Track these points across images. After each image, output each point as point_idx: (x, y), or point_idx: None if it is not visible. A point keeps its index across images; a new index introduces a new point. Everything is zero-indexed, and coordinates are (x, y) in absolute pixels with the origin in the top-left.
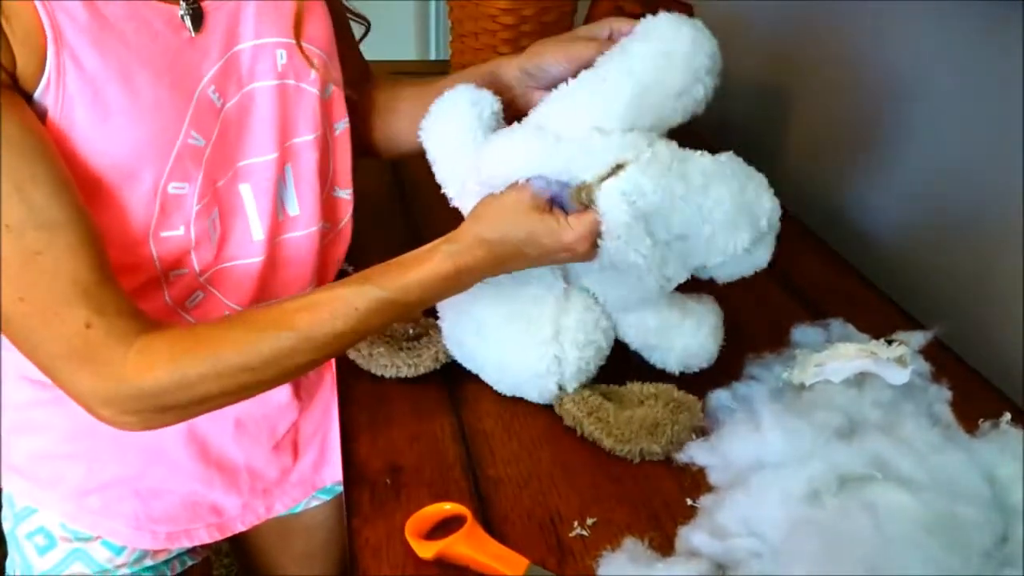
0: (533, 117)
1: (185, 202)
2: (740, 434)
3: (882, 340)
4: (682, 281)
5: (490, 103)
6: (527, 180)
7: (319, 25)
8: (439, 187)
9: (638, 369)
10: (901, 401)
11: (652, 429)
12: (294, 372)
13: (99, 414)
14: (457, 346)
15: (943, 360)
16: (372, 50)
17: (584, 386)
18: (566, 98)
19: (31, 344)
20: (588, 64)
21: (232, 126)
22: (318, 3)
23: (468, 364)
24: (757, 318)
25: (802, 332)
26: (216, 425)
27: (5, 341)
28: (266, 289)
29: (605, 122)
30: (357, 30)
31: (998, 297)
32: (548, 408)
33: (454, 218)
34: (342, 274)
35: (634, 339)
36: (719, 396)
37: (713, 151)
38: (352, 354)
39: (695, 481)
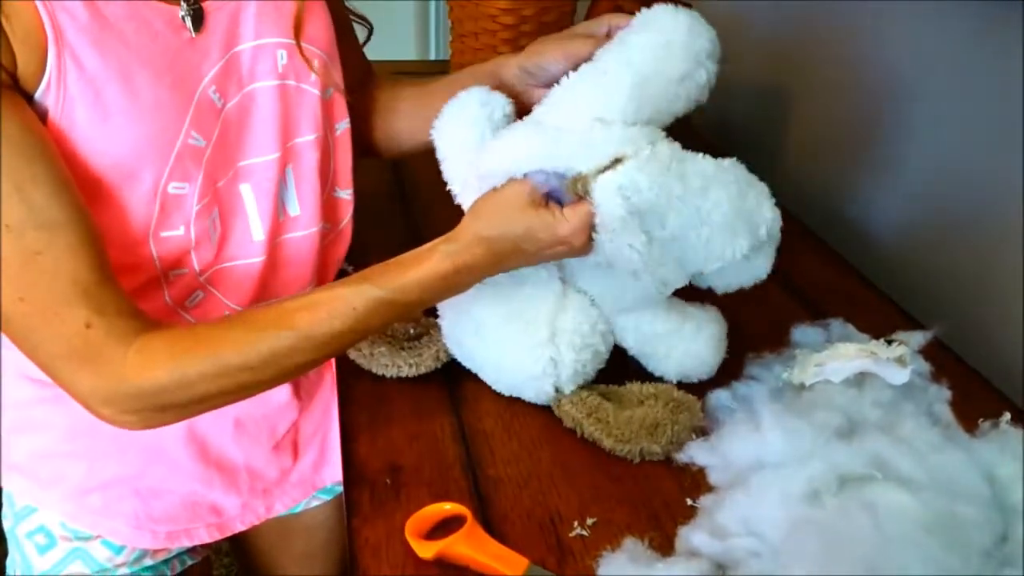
0: (535, 113)
1: (185, 202)
2: (740, 434)
3: (882, 340)
4: (680, 286)
5: (501, 104)
6: (526, 175)
7: (319, 26)
8: (439, 187)
9: (637, 370)
10: (901, 401)
11: (652, 429)
12: (294, 372)
13: (99, 413)
14: (457, 345)
15: (943, 360)
16: (372, 50)
17: (582, 387)
18: (567, 92)
19: (31, 343)
20: (587, 61)
21: (233, 126)
22: (319, 4)
23: (467, 363)
24: (757, 318)
25: (802, 332)
26: (216, 425)
27: (5, 340)
28: (266, 289)
29: (607, 114)
30: (360, 31)
31: (998, 297)
32: (548, 408)
33: (454, 218)
34: (342, 274)
35: (632, 344)
36: (719, 396)
37: (713, 151)
38: (353, 354)
39: (695, 481)
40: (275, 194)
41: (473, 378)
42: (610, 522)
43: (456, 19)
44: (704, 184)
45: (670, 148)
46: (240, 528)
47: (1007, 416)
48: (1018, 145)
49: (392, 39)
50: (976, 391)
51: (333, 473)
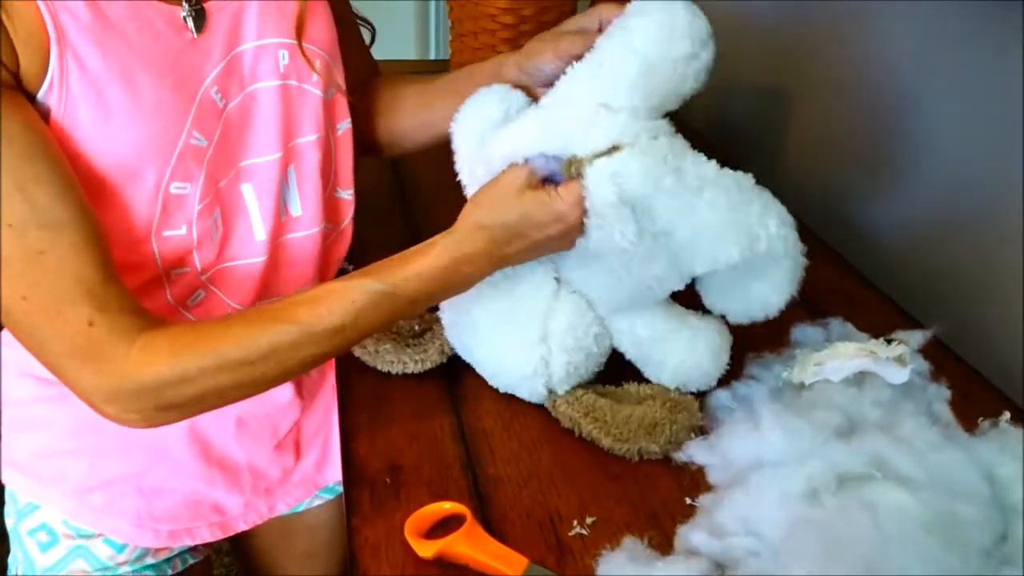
0: (542, 103)
1: (187, 202)
2: (739, 433)
3: (881, 339)
4: (674, 288)
5: (519, 102)
6: (526, 159)
7: (321, 26)
8: (439, 186)
9: (636, 373)
10: (900, 400)
11: (650, 429)
12: (296, 367)
13: (103, 411)
14: (456, 340)
15: (942, 359)
16: (372, 50)
17: (577, 387)
18: (572, 84)
19: (35, 341)
20: (579, 58)
21: (234, 126)
22: (321, 4)
23: (467, 358)
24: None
25: (802, 331)
26: (218, 424)
27: (6, 338)
28: (268, 289)
29: (615, 102)
30: (363, 33)
31: (998, 296)
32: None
33: (454, 217)
34: (342, 273)
35: (628, 348)
36: (719, 395)
37: (713, 151)
38: (358, 351)
39: (694, 480)
40: (277, 194)
41: (473, 378)
42: (609, 521)
43: (456, 19)
44: (700, 184)
45: (671, 142)
46: (242, 527)
47: (1007, 415)
48: (1018, 145)
49: (392, 39)
50: (976, 390)
51: (335, 472)
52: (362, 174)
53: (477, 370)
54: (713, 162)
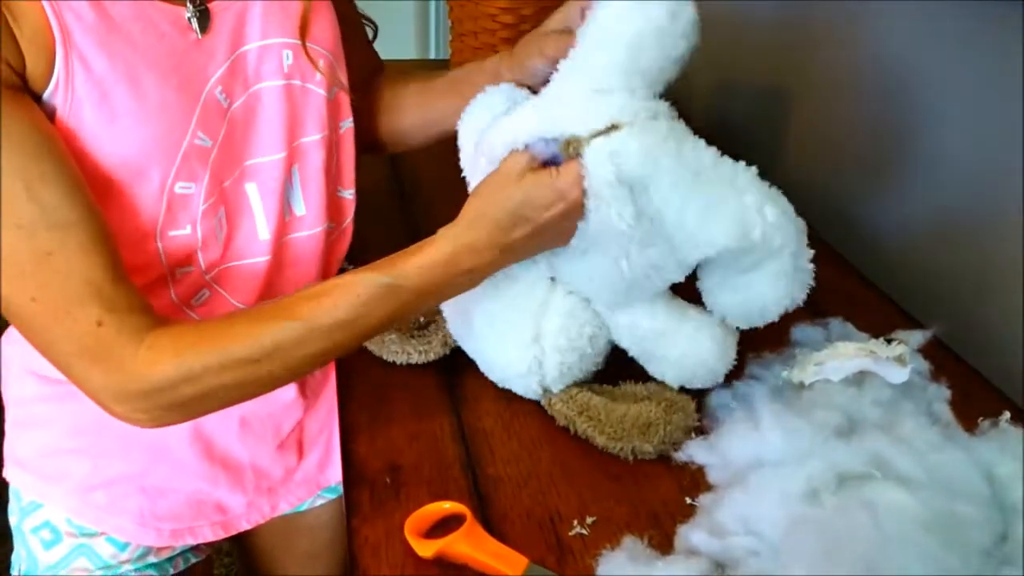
0: (540, 95)
1: (191, 202)
2: (739, 433)
3: (881, 339)
4: (673, 277)
5: (524, 100)
6: (526, 145)
7: (325, 26)
8: (439, 184)
9: (634, 373)
10: (900, 400)
11: (644, 428)
12: (302, 364)
13: (112, 410)
14: (456, 335)
15: (942, 359)
16: None
17: (573, 385)
18: (565, 80)
19: (44, 341)
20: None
21: (239, 126)
22: (324, 4)
23: (466, 350)
24: None
25: (802, 331)
26: (221, 424)
27: (9, 336)
28: (272, 288)
29: (606, 84)
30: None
31: (998, 296)
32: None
33: (454, 215)
34: (342, 272)
35: (629, 343)
36: (719, 395)
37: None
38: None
39: (694, 480)
40: (281, 194)
41: (473, 377)
42: (609, 521)
43: (456, 19)
44: (697, 168)
45: (671, 125)
46: (245, 527)
47: (1007, 415)
48: (1018, 145)
49: (392, 39)
50: (976, 390)
51: (338, 472)
52: (362, 172)
53: (475, 361)
54: (713, 148)
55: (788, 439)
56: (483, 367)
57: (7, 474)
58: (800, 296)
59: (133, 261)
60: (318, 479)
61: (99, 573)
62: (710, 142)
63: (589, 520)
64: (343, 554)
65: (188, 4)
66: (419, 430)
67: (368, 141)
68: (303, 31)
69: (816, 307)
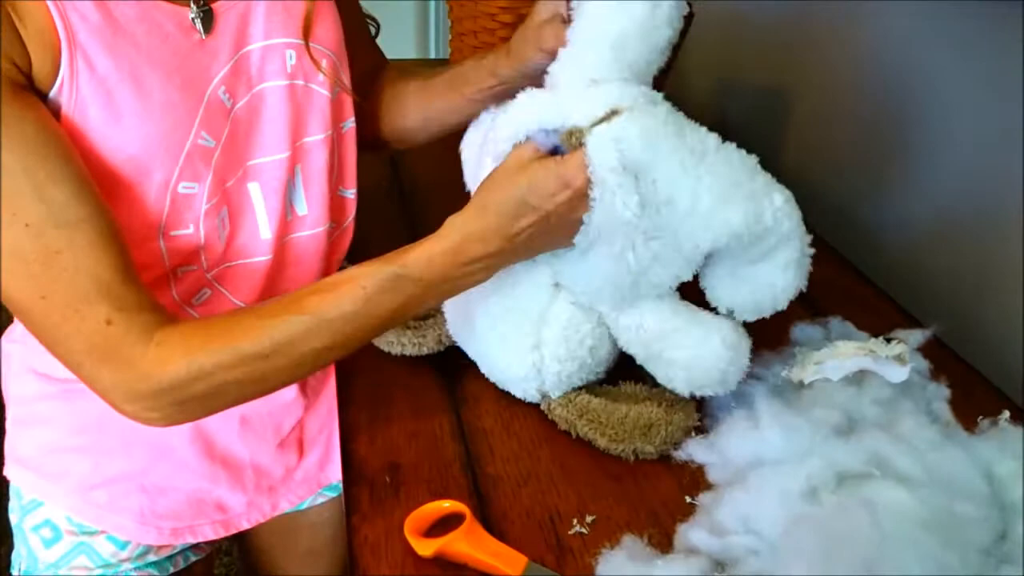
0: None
1: (195, 202)
2: (739, 432)
3: (881, 338)
4: (681, 275)
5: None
6: (527, 138)
7: (328, 26)
8: (438, 183)
9: (636, 373)
10: (900, 399)
11: (646, 429)
12: (310, 359)
13: (123, 410)
14: (456, 336)
15: (942, 358)
16: None
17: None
18: (560, 73)
19: (53, 340)
20: (563, 45)
21: (242, 126)
22: (327, 5)
23: (466, 351)
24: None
25: (801, 330)
26: (222, 422)
27: (10, 334)
28: (272, 287)
29: (600, 74)
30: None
31: (997, 295)
32: None
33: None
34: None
35: (637, 347)
36: (719, 394)
37: None
38: None
39: (694, 479)
40: (283, 193)
41: (473, 377)
42: (609, 520)
43: (456, 18)
44: (703, 150)
45: (670, 110)
46: (245, 526)
47: (1006, 414)
48: (1018, 145)
49: (392, 38)
50: (975, 389)
51: (338, 471)
52: (362, 172)
53: (476, 362)
54: (715, 135)
55: (788, 438)
56: (483, 369)
57: (8, 472)
58: (804, 284)
59: (135, 260)
60: (318, 478)
61: (99, 571)
62: None
63: (589, 519)
64: (343, 552)
65: (192, 4)
66: (419, 429)
67: (369, 140)
68: (306, 31)
69: (816, 306)
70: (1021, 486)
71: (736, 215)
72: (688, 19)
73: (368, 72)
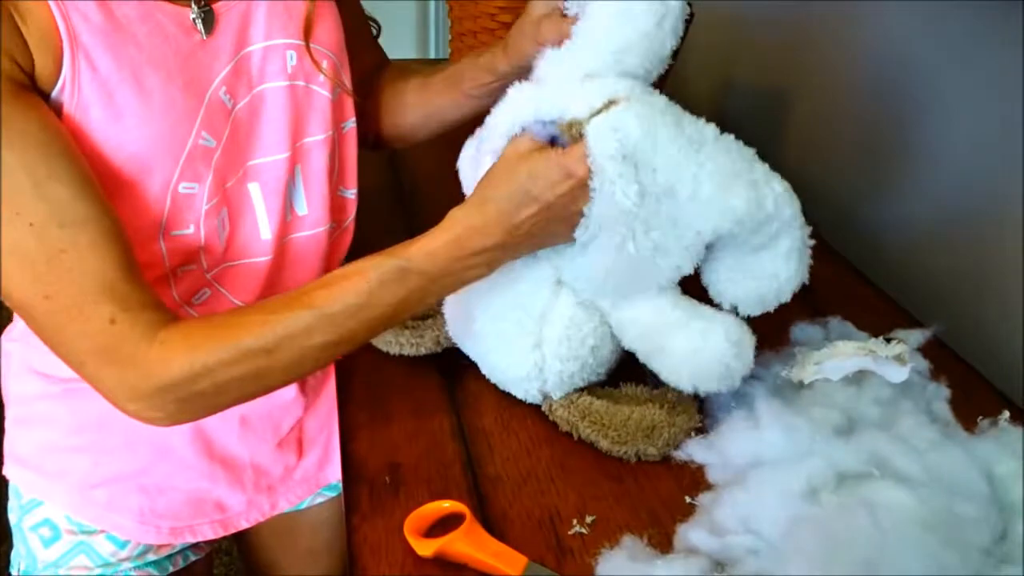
0: (532, 76)
1: (195, 202)
2: (739, 432)
3: (881, 338)
4: (681, 267)
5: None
6: (523, 130)
7: (329, 27)
8: (438, 182)
9: (638, 375)
10: (900, 399)
11: (649, 431)
12: (315, 355)
13: (126, 409)
14: (456, 336)
15: (942, 358)
16: None
17: (573, 389)
18: (555, 61)
19: (57, 340)
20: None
21: (243, 126)
22: (328, 5)
23: (466, 351)
24: (756, 315)
25: (801, 330)
26: (221, 422)
27: (9, 333)
28: (272, 287)
29: (597, 74)
30: None
31: (997, 295)
32: None
33: None
34: None
35: (638, 345)
36: (719, 394)
37: None
38: None
39: (694, 479)
40: (283, 193)
41: (473, 377)
42: (609, 520)
43: (456, 18)
44: (701, 139)
45: (667, 101)
46: (244, 525)
47: (1006, 414)
48: (1018, 145)
49: (392, 38)
50: (975, 389)
51: (338, 471)
52: (362, 172)
53: (476, 363)
54: (713, 124)
55: (788, 438)
56: (484, 369)
57: (7, 471)
58: (806, 274)
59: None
60: (317, 478)
61: (99, 571)
62: None
63: (588, 519)
64: (343, 552)
65: (193, 5)
66: (419, 429)
67: (370, 137)
68: (307, 32)
69: (816, 306)
70: (1021, 486)
71: (738, 200)
72: (688, 21)
73: (371, 72)
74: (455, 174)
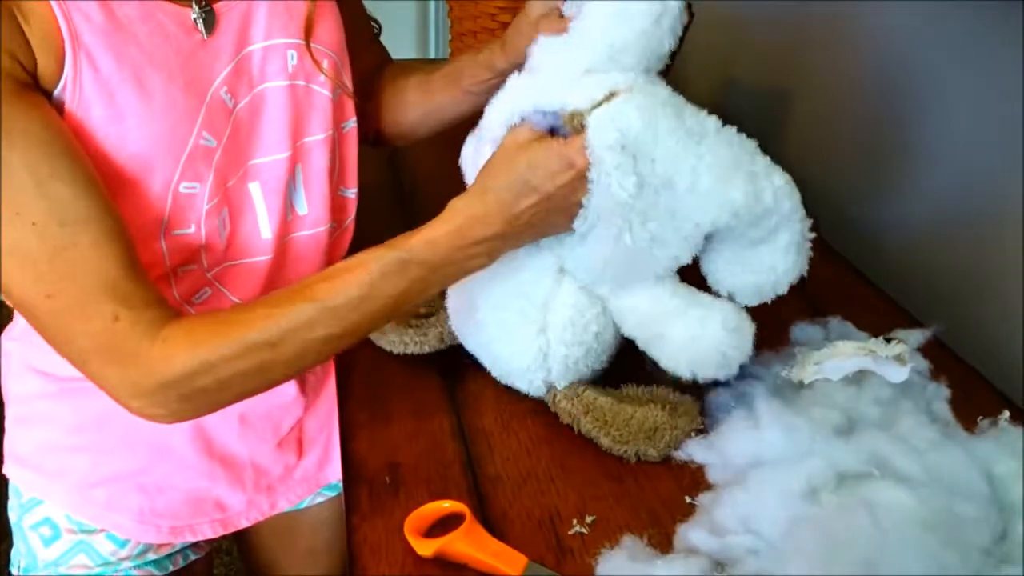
0: (527, 66)
1: (196, 201)
2: (739, 432)
3: (881, 338)
4: (679, 256)
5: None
6: (522, 120)
7: (330, 27)
8: (438, 183)
9: (640, 375)
10: (900, 399)
11: (651, 433)
12: (317, 348)
13: (129, 406)
14: (458, 328)
15: (942, 358)
16: None
17: (578, 382)
18: (552, 51)
19: (60, 338)
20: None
21: (243, 126)
22: (329, 5)
23: (468, 347)
24: (756, 315)
25: (801, 330)
26: (221, 421)
27: (9, 332)
28: (272, 287)
29: (595, 70)
30: None
31: (997, 295)
32: (547, 407)
33: None
34: None
35: (637, 333)
36: (719, 394)
37: None
38: None
39: (694, 479)
40: (284, 193)
41: (473, 376)
42: (609, 520)
43: (456, 18)
44: (702, 131)
45: (670, 92)
46: (244, 524)
47: (1006, 414)
48: (1018, 145)
49: (392, 38)
50: (975, 389)
51: (338, 471)
52: (362, 172)
53: (477, 357)
54: (715, 117)
55: (788, 438)
56: (486, 362)
57: (7, 471)
58: (804, 267)
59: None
60: (317, 477)
61: (99, 570)
62: None
63: (588, 519)
64: (343, 552)
65: (194, 5)
66: (419, 429)
67: (370, 135)
68: (308, 32)
69: (816, 306)
70: (1021, 486)
71: (737, 193)
72: (688, 21)
73: (372, 71)
74: (455, 173)
